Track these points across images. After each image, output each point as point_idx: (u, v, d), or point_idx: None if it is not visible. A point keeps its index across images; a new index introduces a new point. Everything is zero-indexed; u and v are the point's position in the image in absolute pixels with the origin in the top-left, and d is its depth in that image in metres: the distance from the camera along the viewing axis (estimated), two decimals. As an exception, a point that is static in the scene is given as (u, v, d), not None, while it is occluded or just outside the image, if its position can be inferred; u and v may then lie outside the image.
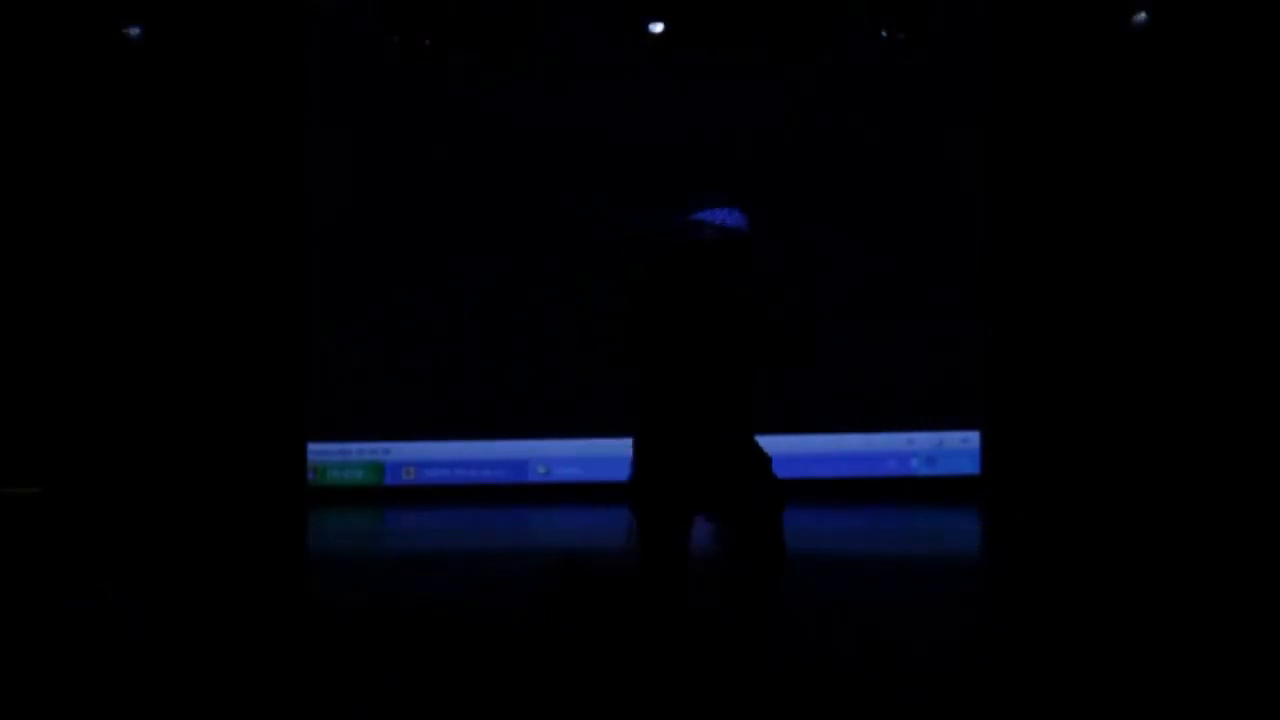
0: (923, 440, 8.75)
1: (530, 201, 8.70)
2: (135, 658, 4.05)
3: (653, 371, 3.99)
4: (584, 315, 8.60)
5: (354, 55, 8.76)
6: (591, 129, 8.62)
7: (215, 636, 4.40)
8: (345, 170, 8.75)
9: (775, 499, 3.88)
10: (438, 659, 4.05)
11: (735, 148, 8.51)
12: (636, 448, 3.88)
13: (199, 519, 7.71)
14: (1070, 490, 8.17)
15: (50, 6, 8.26)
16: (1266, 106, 7.78)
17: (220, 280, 8.57)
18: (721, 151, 8.52)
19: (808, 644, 4.17)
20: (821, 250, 8.38)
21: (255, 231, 8.62)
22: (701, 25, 8.47)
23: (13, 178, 8.44)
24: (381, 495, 8.72)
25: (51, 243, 8.55)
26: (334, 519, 8.21)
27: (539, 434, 8.75)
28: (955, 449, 8.76)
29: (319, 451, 8.77)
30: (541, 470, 8.81)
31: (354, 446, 8.80)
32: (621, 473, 8.48)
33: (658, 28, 8.49)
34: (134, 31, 8.29)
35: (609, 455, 8.68)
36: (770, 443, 3.89)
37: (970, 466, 8.74)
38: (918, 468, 8.75)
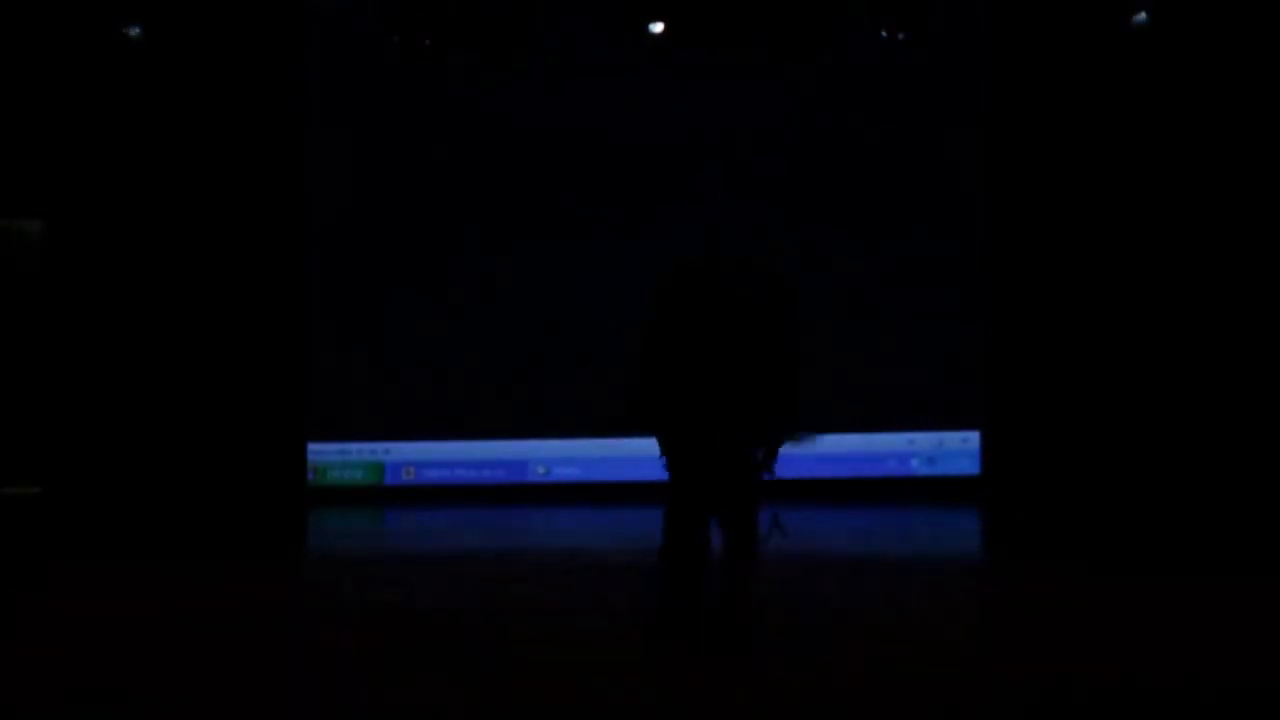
0: (923, 440, 8.75)
1: (530, 201, 8.70)
2: (134, 656, 4.06)
3: (681, 375, 4.15)
4: (584, 315, 8.61)
5: (354, 55, 8.75)
6: (591, 129, 8.62)
7: (215, 634, 4.40)
8: (345, 170, 8.75)
9: (757, 496, 4.22)
10: (437, 659, 4.05)
11: (735, 148, 8.51)
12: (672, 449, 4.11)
13: (199, 519, 7.70)
14: (1070, 490, 8.16)
15: (50, 6, 8.25)
16: (1267, 106, 7.78)
17: (220, 281, 8.56)
18: (721, 151, 8.52)
19: (807, 644, 4.17)
20: (821, 250, 8.38)
21: (255, 231, 8.62)
22: (701, 25, 8.46)
23: (12, 178, 8.43)
24: (381, 495, 8.72)
25: (51, 243, 8.55)
26: (334, 519, 8.21)
27: (539, 434, 8.75)
28: (955, 449, 8.76)
29: (319, 451, 8.77)
30: (541, 470, 8.81)
31: (354, 446, 8.80)
32: (621, 473, 8.53)
33: (658, 28, 8.49)
34: (134, 31, 8.28)
35: (609, 455, 8.69)
36: (770, 443, 3.91)
37: (970, 466, 8.75)
38: (918, 468, 8.75)
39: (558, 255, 8.69)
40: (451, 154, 8.76)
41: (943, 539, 7.38)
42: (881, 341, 8.67)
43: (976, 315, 8.70)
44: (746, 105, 8.56)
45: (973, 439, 8.75)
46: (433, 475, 8.78)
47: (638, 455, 8.22)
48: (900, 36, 8.54)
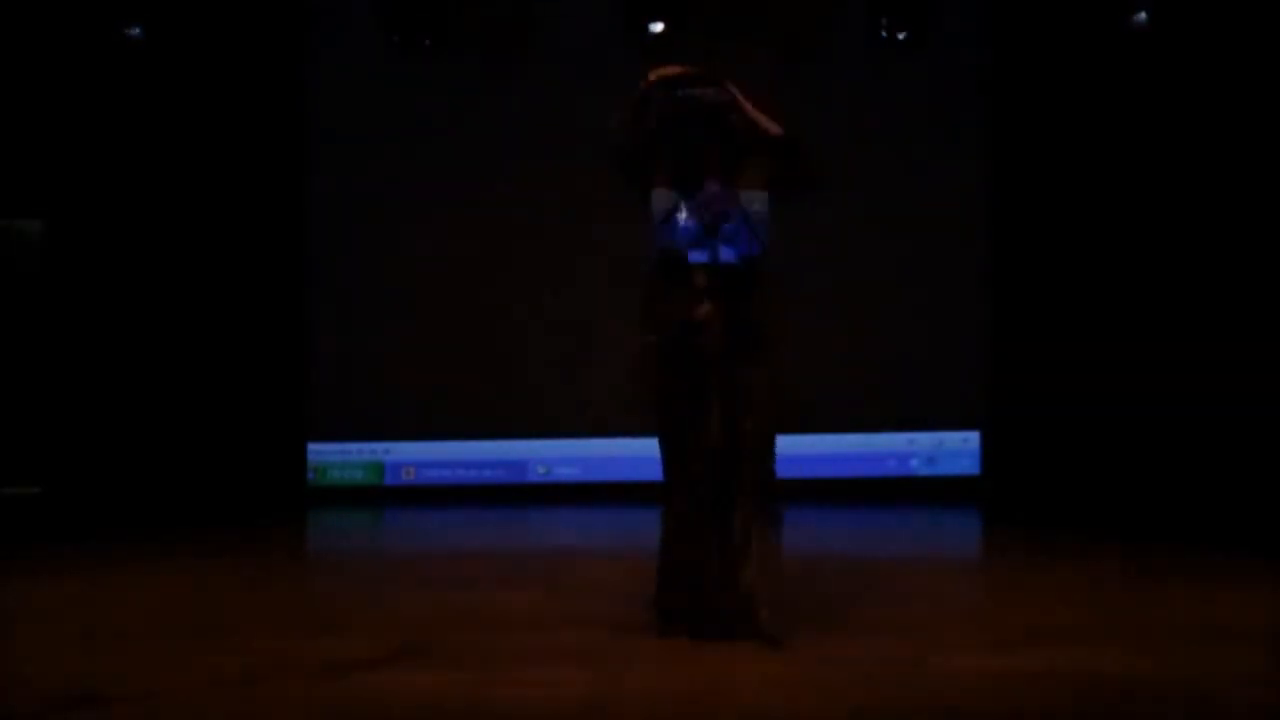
0: (923, 440, 8.75)
1: (530, 201, 8.69)
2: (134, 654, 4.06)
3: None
4: (585, 315, 8.61)
5: (354, 55, 8.76)
6: (591, 129, 8.60)
7: (215, 634, 4.40)
8: (345, 170, 8.75)
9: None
10: (437, 658, 4.05)
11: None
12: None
13: (199, 518, 7.71)
14: (1070, 490, 8.17)
15: (50, 6, 8.25)
16: (1268, 106, 7.77)
17: (220, 281, 8.57)
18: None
19: (807, 644, 4.17)
20: (822, 250, 8.38)
21: (255, 231, 8.62)
22: (701, 25, 8.46)
23: (12, 178, 8.43)
24: (381, 495, 8.72)
25: (51, 243, 8.56)
26: (334, 519, 8.21)
27: (539, 434, 8.75)
28: (955, 449, 8.76)
29: (319, 451, 8.77)
30: (541, 470, 8.81)
31: (354, 446, 8.80)
32: (621, 473, 8.52)
33: (658, 28, 8.49)
34: (134, 31, 8.28)
35: (609, 455, 8.69)
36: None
37: (970, 466, 8.75)
38: (918, 468, 8.76)
39: (558, 255, 8.69)
40: (451, 154, 8.76)
41: (943, 539, 7.39)
42: (881, 341, 8.67)
43: (977, 315, 8.70)
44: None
45: (973, 439, 8.75)
46: (433, 475, 8.78)
47: (638, 455, 8.24)
48: (900, 36, 8.55)
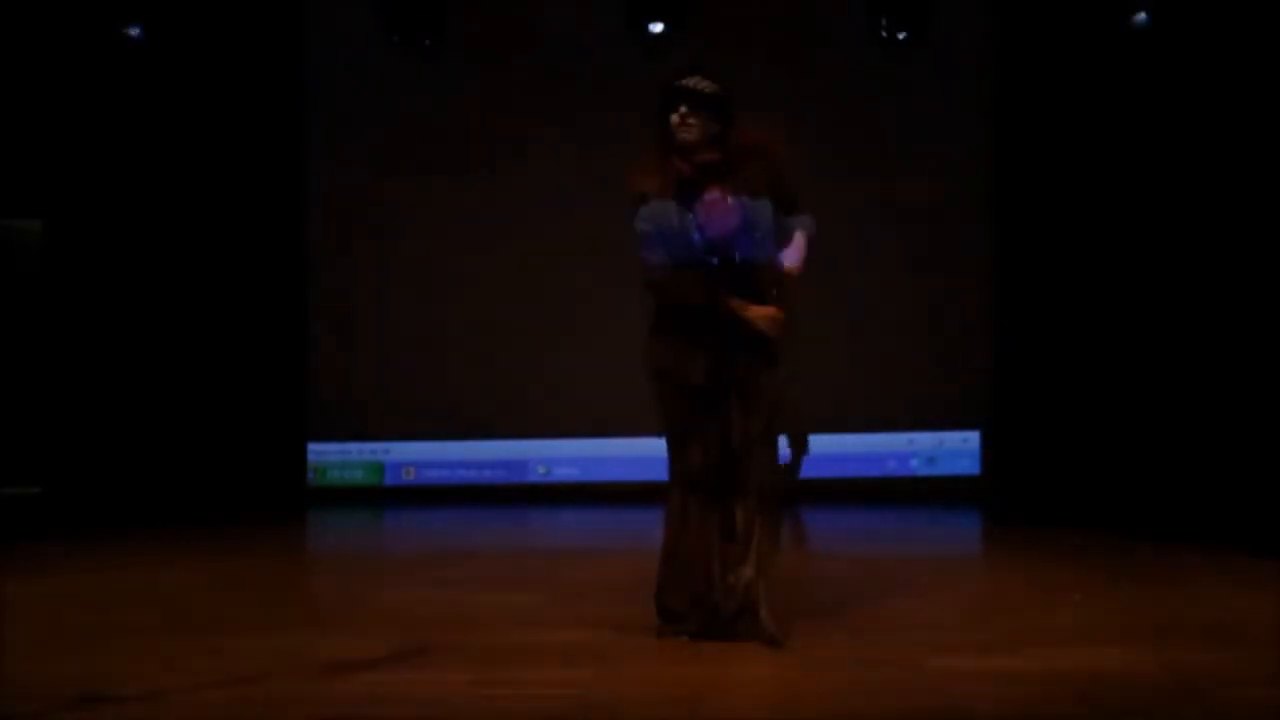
0: (923, 440, 8.75)
1: (530, 201, 8.70)
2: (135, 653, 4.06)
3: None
4: (584, 315, 8.61)
5: (354, 55, 8.75)
6: (591, 129, 8.61)
7: (214, 634, 4.40)
8: (345, 169, 8.76)
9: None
10: (437, 659, 4.05)
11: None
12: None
13: (199, 518, 7.70)
14: (1070, 489, 8.17)
15: (49, 6, 8.25)
16: (1269, 106, 7.76)
17: (220, 281, 8.57)
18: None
19: (807, 644, 4.17)
20: (822, 250, 8.36)
21: (255, 231, 8.63)
22: (702, 25, 8.46)
23: (12, 178, 8.43)
24: (381, 495, 8.72)
25: (51, 243, 8.56)
26: (334, 519, 8.21)
27: (539, 434, 8.75)
28: (955, 449, 8.76)
29: (319, 451, 8.77)
30: (541, 470, 8.81)
31: (354, 446, 8.80)
32: (621, 473, 8.53)
33: (658, 28, 8.49)
34: (134, 31, 8.28)
35: (609, 455, 8.69)
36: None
37: (970, 466, 8.75)
38: (918, 468, 8.76)
39: (558, 255, 8.69)
40: (451, 154, 8.76)
41: (943, 539, 7.39)
42: (881, 342, 8.67)
43: (978, 315, 8.70)
44: (746, 105, 8.54)
45: (973, 439, 8.75)
46: (433, 475, 8.78)
47: (638, 455, 8.25)
48: (901, 36, 8.55)
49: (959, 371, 8.69)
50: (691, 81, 4.20)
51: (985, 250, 8.72)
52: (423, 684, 3.72)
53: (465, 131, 8.75)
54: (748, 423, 4.19)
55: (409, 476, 8.80)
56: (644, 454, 7.91)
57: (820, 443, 8.54)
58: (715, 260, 4.12)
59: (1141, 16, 7.95)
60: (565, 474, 8.79)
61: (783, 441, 6.85)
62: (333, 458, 8.78)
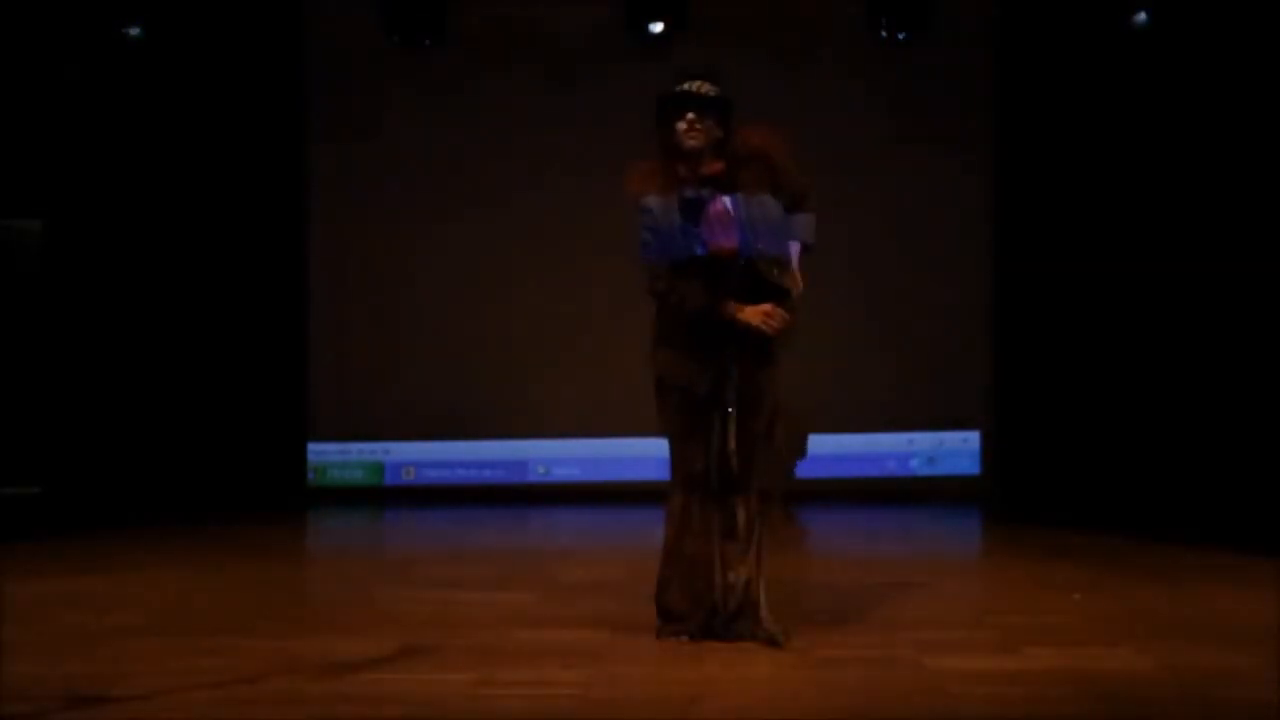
0: (923, 440, 8.75)
1: (530, 201, 8.69)
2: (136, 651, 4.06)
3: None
4: (585, 315, 8.61)
5: (354, 55, 8.75)
6: (591, 129, 8.61)
7: (214, 634, 4.40)
8: (344, 168, 8.75)
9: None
10: (437, 659, 4.05)
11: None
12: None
13: (199, 518, 7.70)
14: (1070, 489, 8.16)
15: (49, 6, 8.25)
16: (1269, 106, 7.76)
17: (220, 281, 8.56)
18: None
19: (807, 644, 4.17)
20: (822, 250, 8.35)
21: (255, 231, 8.62)
22: (702, 25, 8.46)
23: (12, 178, 8.43)
24: (381, 495, 8.72)
25: (50, 243, 8.56)
26: (334, 519, 8.21)
27: (539, 434, 8.75)
28: (955, 449, 8.76)
29: (319, 451, 8.77)
30: (541, 470, 8.81)
31: (354, 446, 8.80)
32: (621, 473, 8.56)
33: (658, 28, 8.49)
34: (134, 31, 8.28)
35: (609, 455, 8.69)
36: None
37: (970, 466, 8.75)
38: (918, 468, 8.75)
39: (558, 254, 8.69)
40: (451, 154, 8.76)
41: (943, 538, 7.39)
42: (881, 341, 8.67)
43: (978, 315, 8.70)
44: (747, 105, 8.54)
45: (973, 439, 8.75)
46: (433, 475, 8.78)
47: (638, 455, 8.25)
48: (901, 36, 8.55)
49: (959, 371, 8.68)
50: (695, 86, 4.17)
51: (985, 250, 8.71)
52: (423, 684, 3.72)
53: (465, 131, 8.75)
54: (749, 423, 4.19)
55: (409, 476, 8.80)
56: (644, 454, 7.93)
57: (820, 443, 8.52)
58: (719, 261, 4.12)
59: (1141, 16, 7.94)
60: (565, 474, 8.79)
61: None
62: (333, 458, 8.78)
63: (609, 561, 6.05)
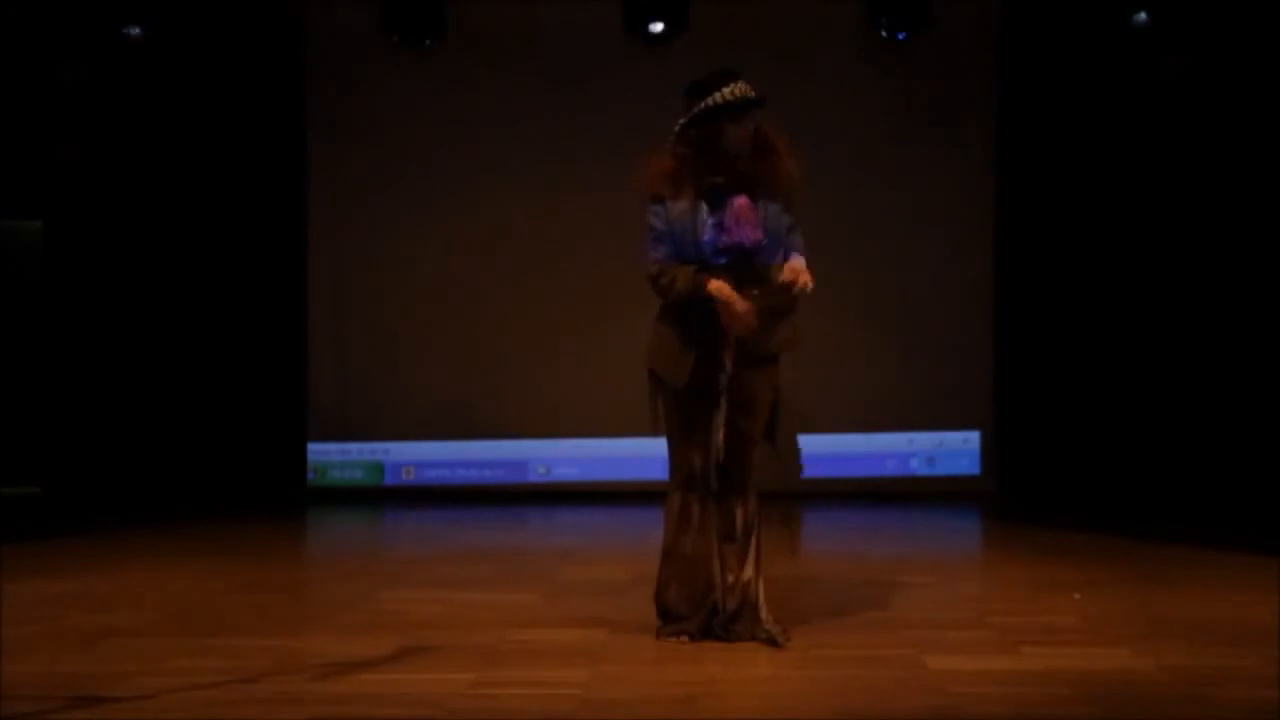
0: (923, 440, 8.75)
1: (529, 201, 8.69)
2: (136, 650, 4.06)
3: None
4: (585, 315, 8.60)
5: (354, 55, 8.75)
6: (591, 129, 8.61)
7: (214, 634, 4.40)
8: (344, 169, 8.75)
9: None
10: (437, 659, 4.06)
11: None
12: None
13: (199, 518, 7.70)
14: (1071, 489, 8.17)
15: (49, 6, 8.25)
16: (1269, 106, 7.77)
17: (220, 281, 8.57)
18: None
19: (807, 644, 4.17)
20: (822, 250, 8.35)
21: (254, 231, 8.62)
22: (702, 25, 8.46)
23: (12, 178, 8.44)
24: (381, 495, 8.72)
25: (50, 243, 8.57)
26: (334, 519, 8.21)
27: (539, 434, 8.75)
28: (955, 449, 8.76)
29: (319, 451, 8.77)
30: (541, 470, 8.81)
31: (354, 446, 8.80)
32: (621, 473, 8.56)
33: (658, 28, 8.49)
34: (134, 31, 8.28)
35: (609, 455, 8.69)
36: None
37: (970, 466, 8.75)
38: (918, 468, 8.75)
39: (558, 255, 8.69)
40: (451, 154, 8.76)
41: (943, 539, 7.39)
42: (882, 341, 8.67)
43: (977, 315, 8.69)
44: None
45: (973, 439, 8.75)
46: (433, 475, 8.78)
47: (638, 455, 8.24)
48: (900, 36, 8.54)
49: (959, 371, 8.67)
50: (744, 90, 4.20)
51: (986, 250, 8.71)
52: (423, 684, 3.72)
53: (465, 131, 8.74)
54: (747, 423, 4.20)
55: (409, 476, 8.80)
56: (644, 454, 7.91)
57: (820, 443, 8.53)
58: (723, 260, 4.13)
59: (1141, 16, 7.94)
60: (565, 474, 8.79)
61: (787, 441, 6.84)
62: (333, 458, 8.78)
63: (609, 561, 6.05)
